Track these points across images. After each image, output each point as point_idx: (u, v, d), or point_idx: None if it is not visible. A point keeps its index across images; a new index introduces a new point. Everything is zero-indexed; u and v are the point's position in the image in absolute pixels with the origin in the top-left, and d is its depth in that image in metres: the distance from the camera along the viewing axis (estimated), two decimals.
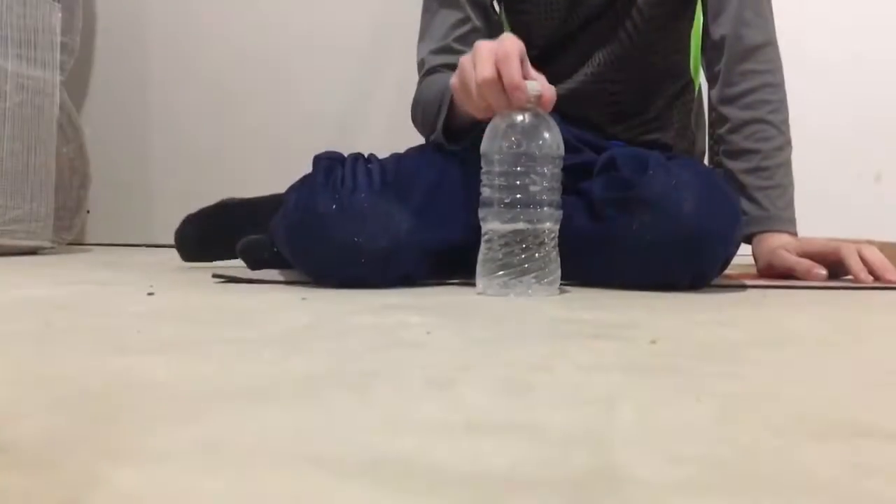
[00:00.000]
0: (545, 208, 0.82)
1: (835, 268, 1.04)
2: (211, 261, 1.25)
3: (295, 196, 0.92)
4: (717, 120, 1.15)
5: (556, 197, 0.84)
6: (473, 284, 0.88)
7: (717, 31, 1.12)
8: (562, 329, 0.60)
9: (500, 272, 0.82)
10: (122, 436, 0.29)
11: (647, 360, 0.46)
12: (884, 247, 1.09)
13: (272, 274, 1.01)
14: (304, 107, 2.17)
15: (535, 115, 0.83)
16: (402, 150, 1.05)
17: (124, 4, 2.27)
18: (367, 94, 2.15)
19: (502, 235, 0.82)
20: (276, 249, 0.99)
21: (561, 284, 0.87)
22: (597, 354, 0.48)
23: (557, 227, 0.84)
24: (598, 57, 1.13)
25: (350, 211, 0.88)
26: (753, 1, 1.11)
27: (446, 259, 0.97)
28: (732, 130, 1.11)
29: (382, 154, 1.02)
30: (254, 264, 1.09)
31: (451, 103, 0.94)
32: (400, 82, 2.09)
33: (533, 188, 0.82)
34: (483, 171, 0.85)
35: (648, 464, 0.26)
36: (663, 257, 0.89)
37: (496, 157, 0.83)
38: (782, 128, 1.11)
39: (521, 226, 0.82)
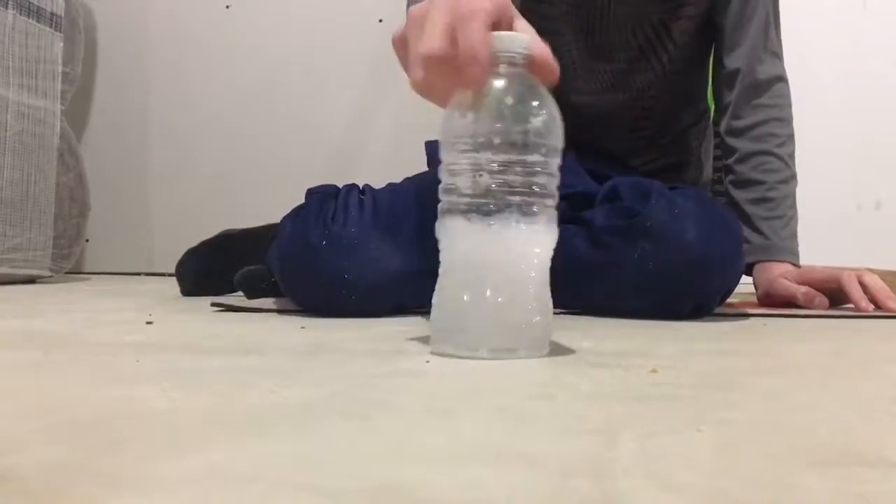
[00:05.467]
0: (536, 225, 0.56)
1: (835, 296, 1.04)
2: (211, 294, 1.25)
3: (288, 229, 0.93)
4: (725, 150, 1.16)
5: (551, 208, 0.58)
6: None
7: (730, 64, 1.13)
8: (562, 357, 0.59)
9: (463, 324, 0.56)
10: (122, 465, 0.29)
11: (647, 389, 0.46)
12: (884, 275, 1.09)
13: (271, 302, 1.01)
14: (304, 135, 2.18)
15: (522, 84, 0.56)
16: (400, 177, 1.06)
17: (125, 34, 2.29)
18: (367, 122, 2.16)
19: (467, 267, 0.57)
20: (273, 279, 0.99)
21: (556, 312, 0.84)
22: (597, 383, 0.48)
23: (551, 253, 0.59)
24: (630, 83, 1.14)
25: (340, 245, 0.88)
26: (767, 37, 1.13)
27: None
28: (739, 161, 1.12)
29: (381, 182, 1.03)
30: (252, 294, 1.09)
31: None
32: (399, 110, 2.10)
33: (516, 195, 0.55)
34: (442, 168, 0.58)
35: (649, 493, 0.26)
36: (665, 286, 0.90)
37: (459, 146, 0.55)
38: (788, 161, 1.12)
39: (494, 253, 0.55)
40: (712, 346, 0.69)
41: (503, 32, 0.56)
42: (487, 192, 0.55)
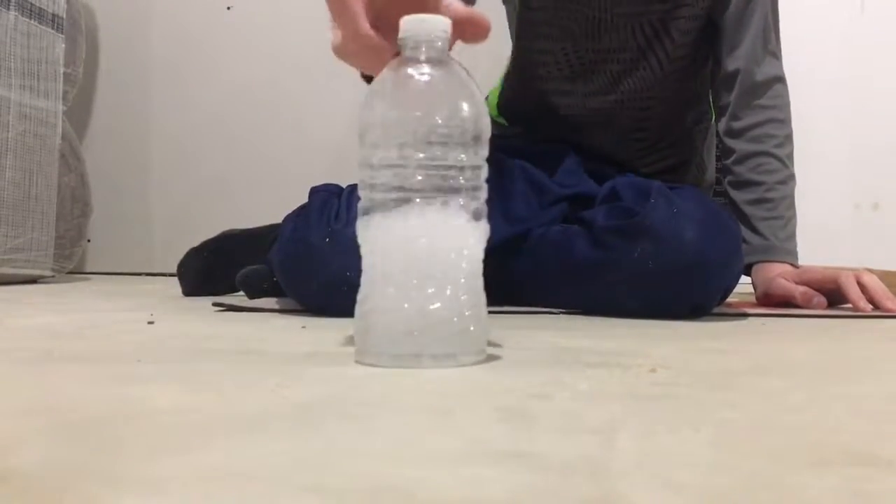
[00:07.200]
0: (460, 220, 0.52)
1: (833, 296, 1.04)
2: (212, 294, 1.25)
3: (290, 228, 0.93)
4: (723, 151, 1.16)
5: (480, 202, 0.53)
6: None
7: (729, 65, 1.13)
8: (561, 357, 0.60)
9: (389, 330, 0.51)
10: (122, 464, 0.29)
11: (646, 389, 0.46)
12: (883, 275, 1.09)
13: (272, 302, 1.02)
14: (305, 136, 2.18)
15: (444, 73, 0.53)
16: None
17: (126, 35, 2.29)
18: None
19: (394, 271, 0.52)
20: (275, 279, 0.99)
21: (561, 313, 0.85)
22: (596, 382, 0.48)
23: (482, 250, 0.54)
24: (629, 83, 1.14)
25: (342, 244, 0.88)
26: (766, 38, 1.13)
27: None
28: (738, 162, 1.13)
29: None
30: (253, 294, 1.09)
31: None
32: None
33: (436, 185, 0.51)
34: (360, 161, 0.53)
35: (648, 492, 0.26)
36: (664, 285, 0.90)
37: (376, 135, 0.52)
38: (787, 162, 1.12)
39: (419, 251, 0.51)
40: (711, 346, 0.69)
41: (419, 16, 0.53)
42: (411, 189, 0.51)
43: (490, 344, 0.57)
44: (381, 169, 0.52)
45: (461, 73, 0.53)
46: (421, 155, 0.51)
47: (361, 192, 0.53)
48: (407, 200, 0.51)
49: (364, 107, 0.53)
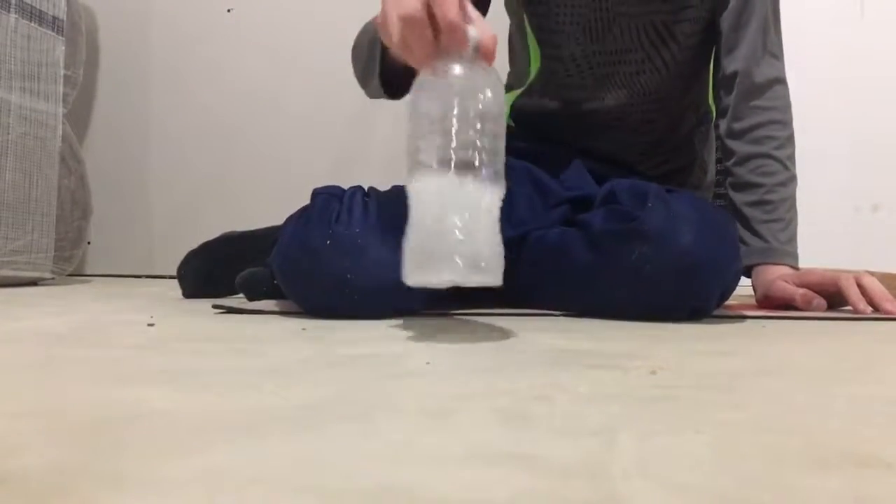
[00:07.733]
0: (482, 172, 0.67)
1: (833, 298, 1.04)
2: (212, 296, 1.25)
3: (291, 230, 0.92)
4: (724, 153, 1.16)
5: (499, 166, 0.69)
6: (473, 314, 0.88)
7: (729, 67, 1.13)
8: (561, 359, 0.59)
9: (427, 248, 0.66)
10: (123, 466, 0.29)
11: (647, 390, 0.46)
12: (883, 277, 1.09)
13: (272, 304, 1.02)
14: (305, 138, 2.19)
15: (473, 66, 0.68)
16: (401, 180, 1.06)
17: (127, 38, 2.30)
18: (369, 125, 2.16)
19: (432, 193, 0.67)
20: (275, 281, 0.99)
21: (561, 315, 0.86)
22: (597, 384, 0.48)
23: (498, 202, 0.68)
24: (637, 85, 1.14)
25: (343, 247, 0.88)
26: (766, 39, 1.13)
27: (445, 290, 0.97)
28: (738, 164, 1.13)
29: (383, 185, 1.03)
30: (253, 296, 1.09)
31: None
32: (401, 114, 2.11)
33: (469, 153, 0.66)
34: (409, 132, 0.70)
35: (649, 495, 0.26)
36: (661, 289, 0.90)
37: (424, 119, 0.68)
38: (787, 163, 1.12)
39: (456, 190, 0.66)
40: (711, 348, 0.69)
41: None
42: (455, 152, 0.66)
43: (490, 345, 0.57)
44: (433, 136, 0.67)
45: (488, 69, 0.69)
46: (464, 127, 0.66)
47: (419, 151, 0.68)
48: (458, 161, 0.66)
49: (413, 93, 0.70)
